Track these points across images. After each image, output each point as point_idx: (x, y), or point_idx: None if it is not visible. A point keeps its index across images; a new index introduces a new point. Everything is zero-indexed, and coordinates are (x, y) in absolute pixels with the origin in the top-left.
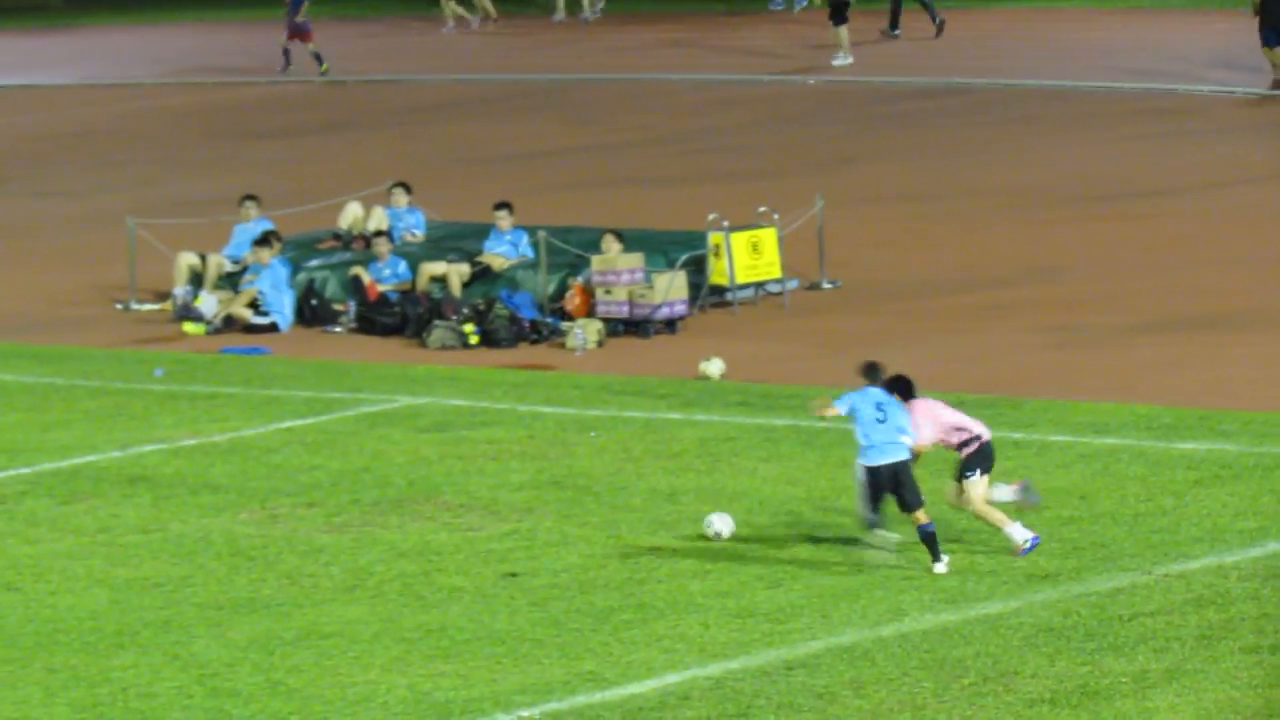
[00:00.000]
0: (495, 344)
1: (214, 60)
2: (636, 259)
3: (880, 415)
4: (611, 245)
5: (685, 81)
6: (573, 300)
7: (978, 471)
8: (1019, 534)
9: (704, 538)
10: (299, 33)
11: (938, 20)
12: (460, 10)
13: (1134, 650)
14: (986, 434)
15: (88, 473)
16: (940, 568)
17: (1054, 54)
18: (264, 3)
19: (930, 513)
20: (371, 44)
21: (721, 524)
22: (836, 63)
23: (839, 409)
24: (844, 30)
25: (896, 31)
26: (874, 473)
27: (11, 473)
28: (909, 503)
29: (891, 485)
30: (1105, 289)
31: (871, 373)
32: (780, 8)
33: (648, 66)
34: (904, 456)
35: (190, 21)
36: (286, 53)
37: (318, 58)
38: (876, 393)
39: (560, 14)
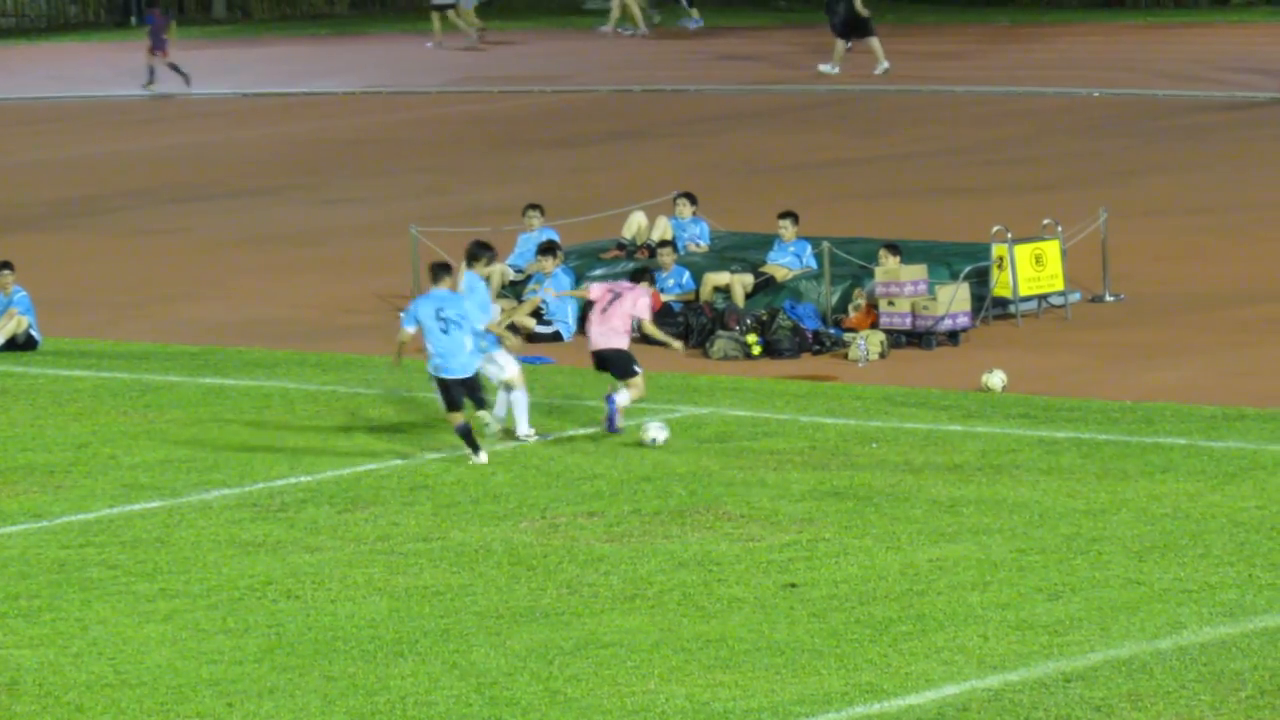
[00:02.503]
0: (778, 354)
1: (495, 69)
2: (919, 270)
3: (442, 324)
4: (887, 259)
5: (968, 94)
6: (858, 315)
7: None
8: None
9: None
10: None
11: None
12: (635, 14)
13: None
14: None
15: (368, 481)
16: (482, 458)
17: None
18: (565, 11)
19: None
20: (647, 53)
21: (657, 431)
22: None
23: (407, 330)
24: (873, 42)
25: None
26: (443, 385)
27: (293, 480)
28: (480, 401)
29: (465, 391)
30: None
31: (435, 272)
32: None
33: (929, 79)
34: (470, 373)
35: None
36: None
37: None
38: (439, 294)
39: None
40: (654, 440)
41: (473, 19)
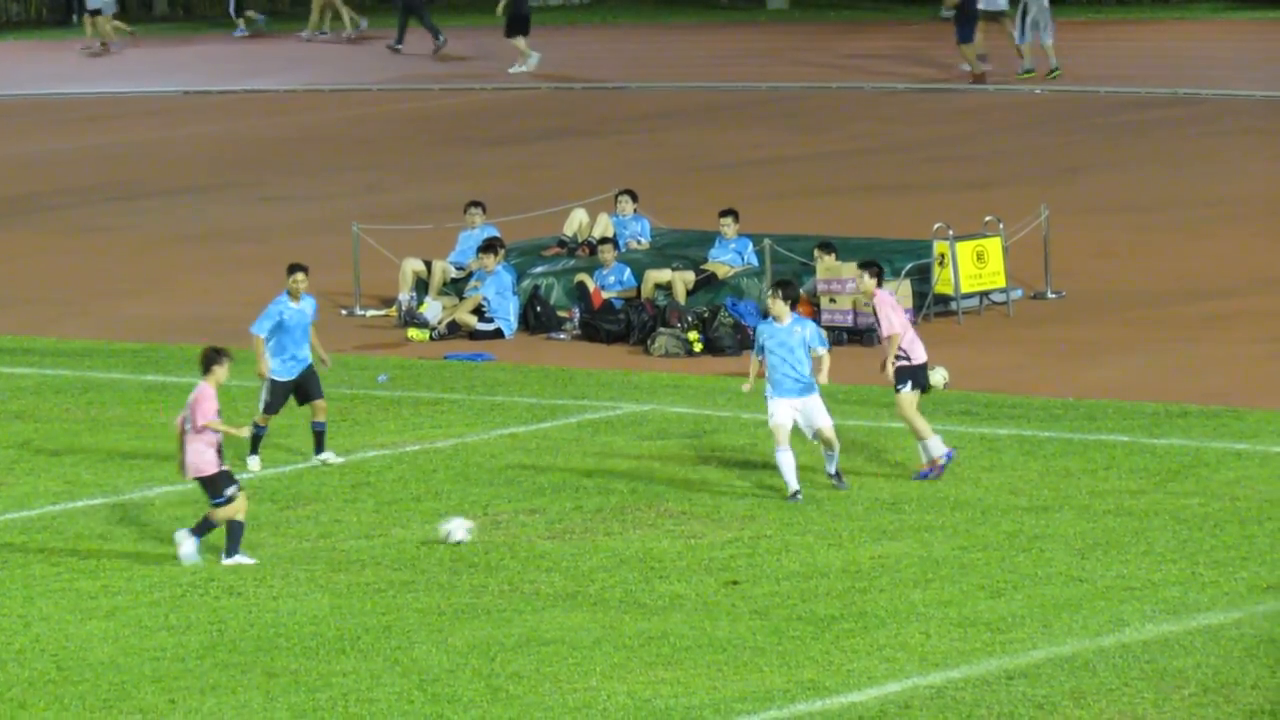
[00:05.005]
0: (719, 351)
1: (437, 66)
2: None
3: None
4: (822, 258)
5: (908, 91)
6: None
7: None
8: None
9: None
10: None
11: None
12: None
13: None
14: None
15: (310, 478)
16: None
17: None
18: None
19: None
20: (590, 50)
21: (457, 529)
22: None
23: (259, 334)
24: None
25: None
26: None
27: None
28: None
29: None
30: None
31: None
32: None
33: (871, 75)
34: (294, 375)
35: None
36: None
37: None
38: (282, 300)
39: None
40: (449, 535)
41: (112, 26)
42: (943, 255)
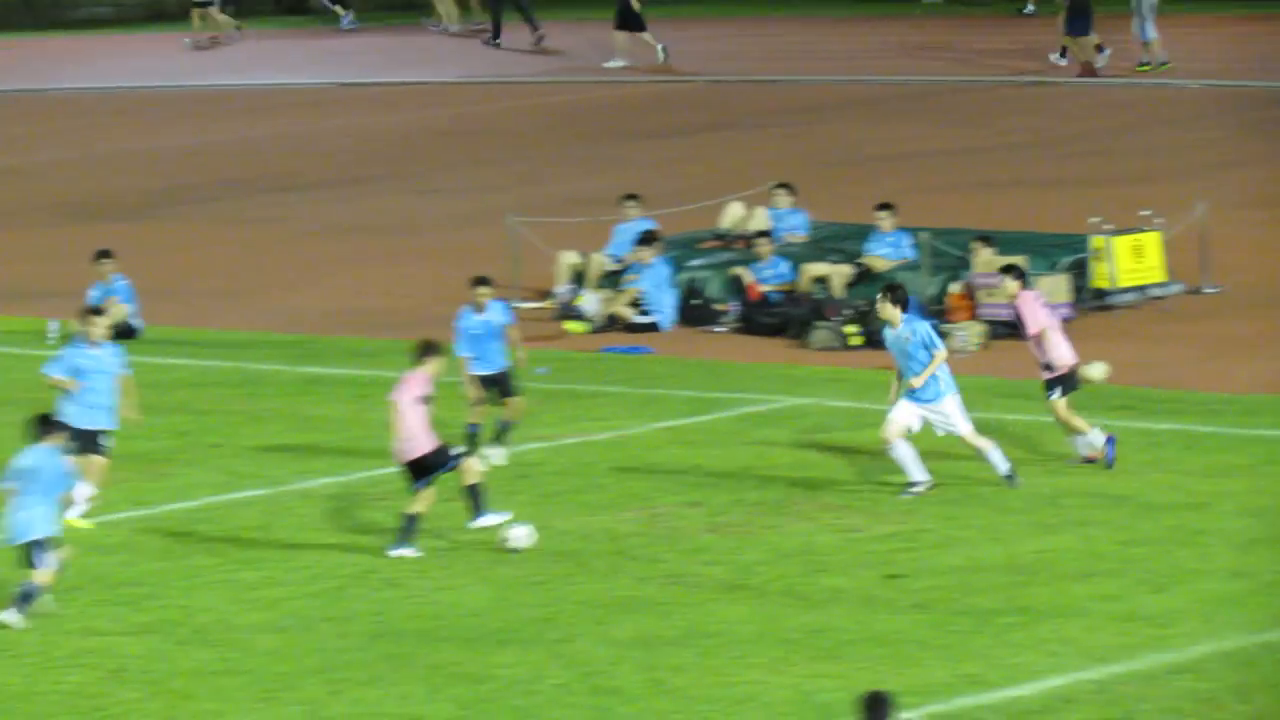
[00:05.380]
0: (877, 345)
1: (592, 60)
2: (1019, 261)
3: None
4: (980, 251)
5: (1066, 85)
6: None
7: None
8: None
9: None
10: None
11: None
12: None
13: None
14: None
15: None
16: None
17: None
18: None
19: None
20: (741, 44)
21: (517, 537)
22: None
23: (460, 354)
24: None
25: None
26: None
27: (393, 469)
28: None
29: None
30: None
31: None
32: None
33: (1021, 70)
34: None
35: (562, 21)
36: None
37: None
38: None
39: None
40: (505, 540)
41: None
42: (1100, 249)
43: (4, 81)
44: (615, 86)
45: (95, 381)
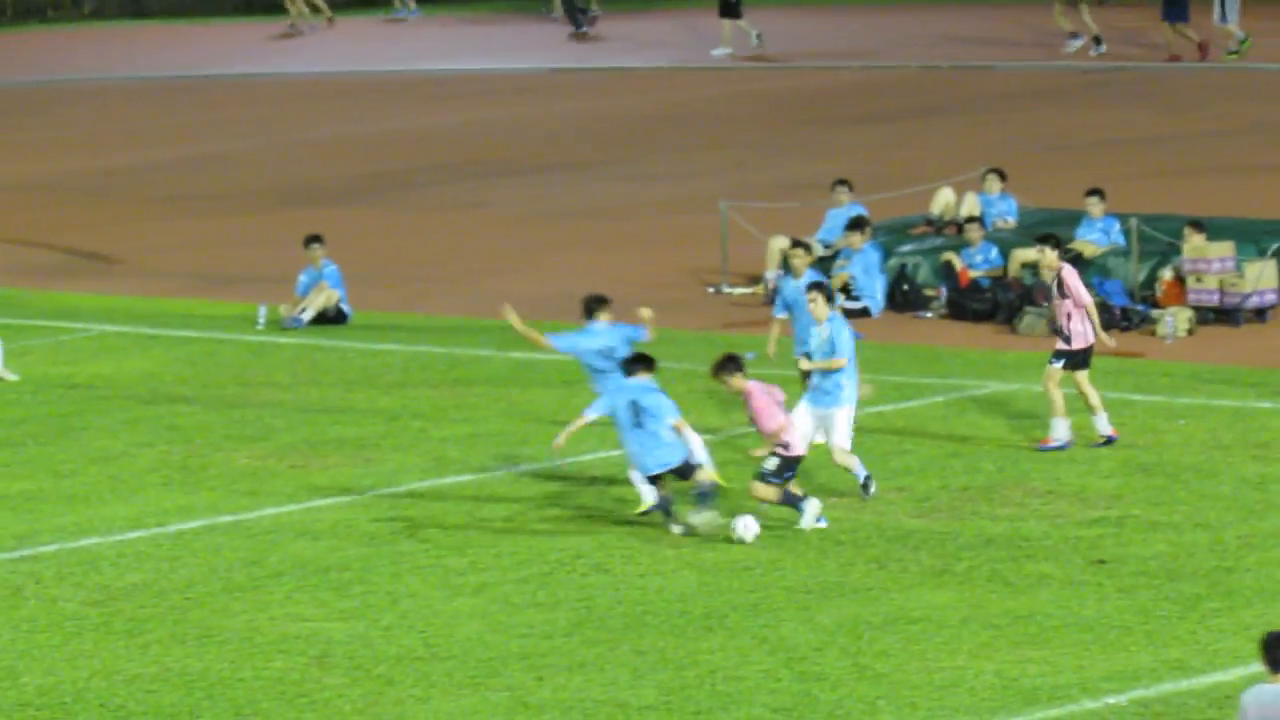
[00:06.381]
0: None
1: (802, 44)
2: (1227, 247)
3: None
4: (1192, 236)
5: (1266, 71)
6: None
7: None
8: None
9: None
10: None
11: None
12: None
13: None
14: None
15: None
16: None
17: None
18: None
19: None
20: (952, 29)
21: (744, 529)
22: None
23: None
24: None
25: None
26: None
27: (602, 455)
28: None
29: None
30: None
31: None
32: None
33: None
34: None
35: (773, 7)
36: None
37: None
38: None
39: None
40: (738, 536)
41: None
42: None
43: (212, 67)
44: (825, 73)
45: None
